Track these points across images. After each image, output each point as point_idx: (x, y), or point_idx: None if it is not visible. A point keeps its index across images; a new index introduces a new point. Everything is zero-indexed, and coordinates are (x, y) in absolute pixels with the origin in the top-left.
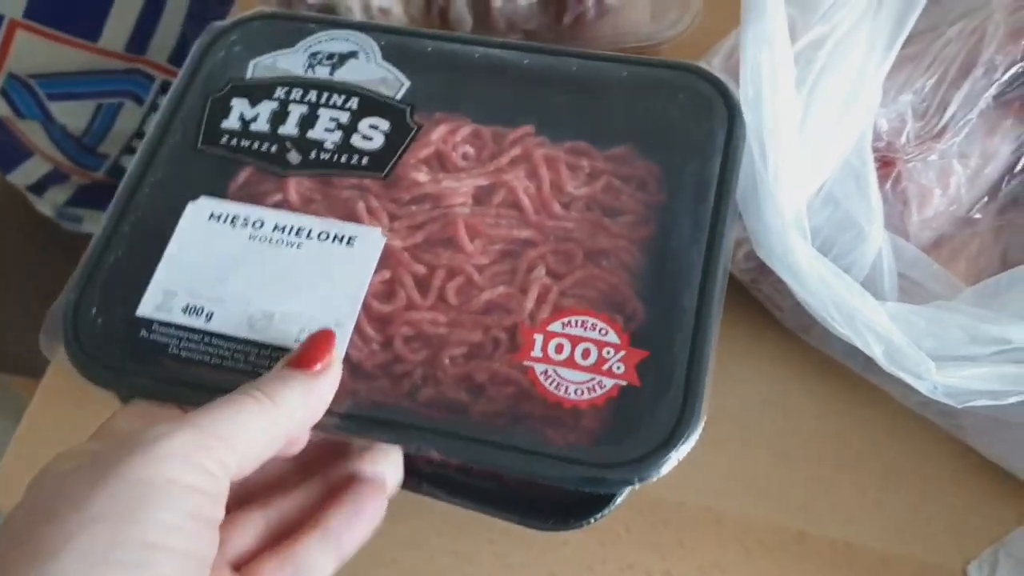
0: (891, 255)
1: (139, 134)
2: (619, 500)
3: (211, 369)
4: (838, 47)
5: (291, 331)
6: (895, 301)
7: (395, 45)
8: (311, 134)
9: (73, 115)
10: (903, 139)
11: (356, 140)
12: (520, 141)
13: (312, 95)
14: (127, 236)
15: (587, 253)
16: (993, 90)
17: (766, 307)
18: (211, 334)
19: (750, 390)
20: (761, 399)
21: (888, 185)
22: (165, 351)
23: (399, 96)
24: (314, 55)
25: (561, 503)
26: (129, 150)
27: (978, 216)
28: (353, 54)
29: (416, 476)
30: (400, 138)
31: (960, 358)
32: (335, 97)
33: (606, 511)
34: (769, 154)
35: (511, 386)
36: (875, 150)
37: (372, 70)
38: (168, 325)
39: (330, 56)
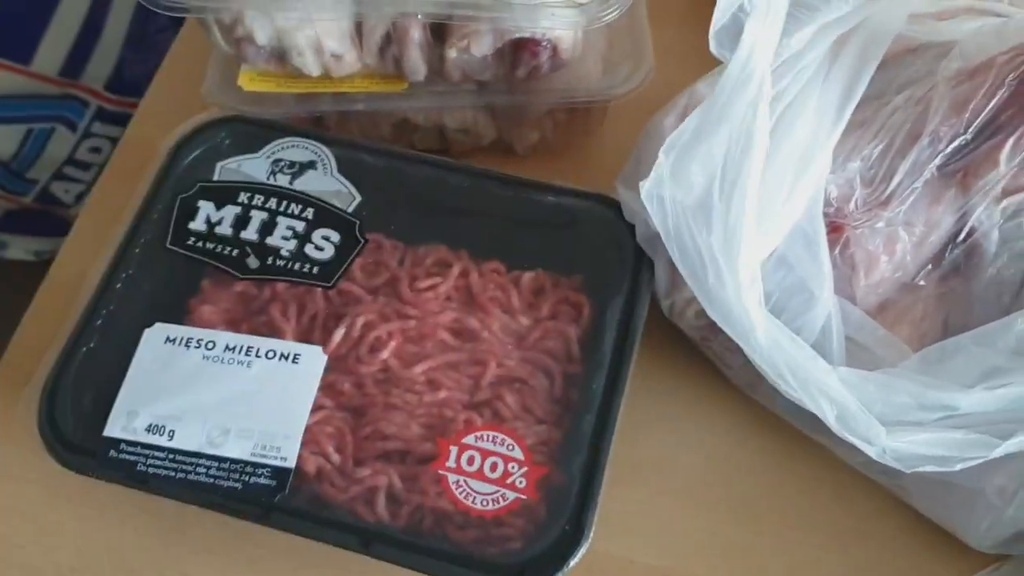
0: (839, 319)
1: (71, 161)
2: (573, 563)
3: (175, 483)
4: (788, 111)
5: (246, 446)
6: (842, 364)
7: (349, 158)
8: (269, 240)
9: (2, 139)
10: (852, 205)
11: (309, 249)
12: (451, 262)
13: (273, 202)
14: (100, 329)
15: (507, 374)
16: (938, 160)
17: (715, 365)
18: (173, 451)
19: (698, 447)
20: (709, 456)
21: (837, 250)
22: (133, 467)
23: (351, 209)
24: (276, 162)
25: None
26: (60, 176)
27: (922, 283)
28: (312, 164)
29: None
30: (349, 250)
31: (908, 423)
32: (293, 206)
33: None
34: (724, 217)
35: (427, 491)
36: (824, 215)
37: (328, 182)
38: (134, 444)
39: (291, 165)
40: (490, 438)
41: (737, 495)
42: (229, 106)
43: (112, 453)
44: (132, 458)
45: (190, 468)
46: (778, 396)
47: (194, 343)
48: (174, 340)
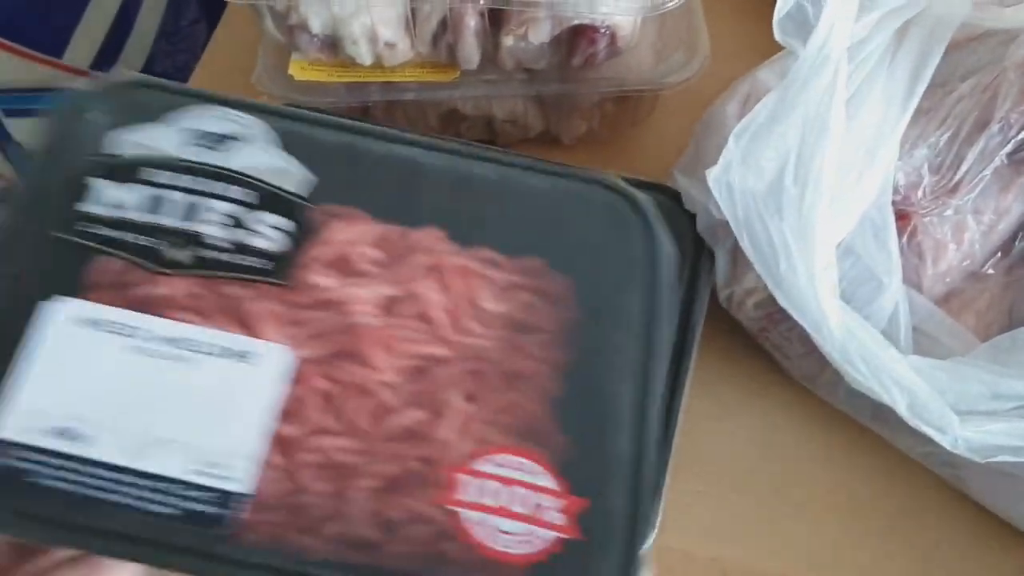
0: (906, 308)
1: None
2: None
3: (84, 502)
4: (854, 98)
5: (182, 462)
6: (910, 354)
7: (295, 133)
8: (199, 228)
9: (32, 133)
10: (919, 193)
11: (254, 239)
12: (430, 247)
13: (195, 181)
14: None
15: (504, 375)
16: (1008, 148)
17: (773, 356)
18: (88, 461)
19: (755, 439)
20: (766, 448)
21: (904, 238)
22: (27, 478)
23: (303, 191)
24: (206, 135)
25: None
26: None
27: (990, 272)
28: (238, 137)
29: None
30: (303, 240)
31: (981, 413)
32: (233, 188)
33: None
34: (798, 203)
35: (430, 527)
36: (892, 203)
37: (268, 159)
38: (32, 449)
39: (210, 136)
40: (512, 463)
41: (796, 487)
42: (280, 95)
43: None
44: (28, 466)
45: (107, 485)
46: (839, 387)
47: (116, 329)
48: (87, 322)
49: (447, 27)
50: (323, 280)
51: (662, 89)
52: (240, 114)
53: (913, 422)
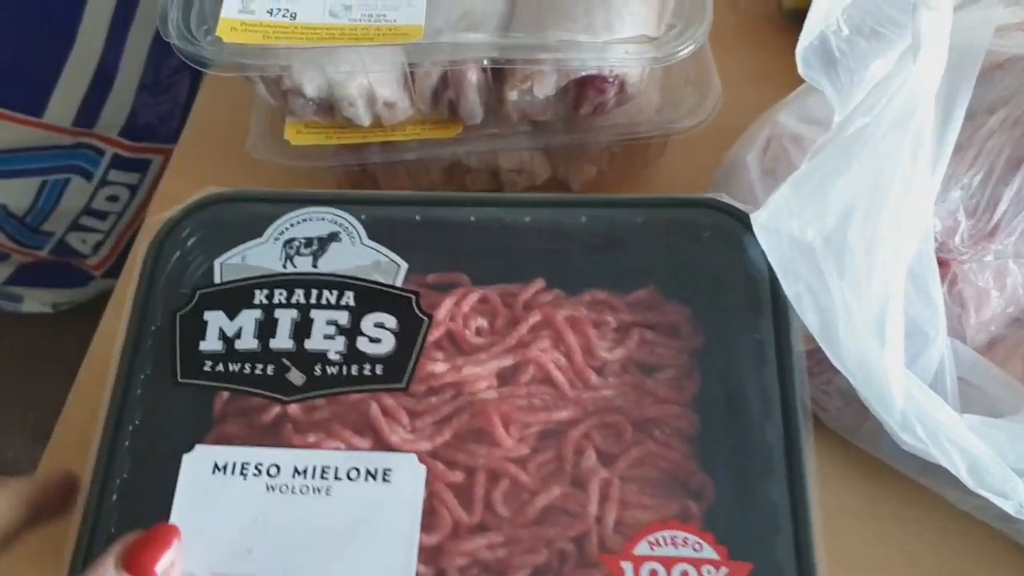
0: (951, 359)
1: (88, 210)
2: None
3: None
4: (883, 142)
5: None
6: (956, 407)
7: (379, 219)
8: (309, 344)
9: (15, 193)
10: (957, 239)
11: (363, 344)
12: (535, 303)
13: (299, 295)
14: (116, 507)
15: (636, 424)
16: None
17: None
18: None
19: None
20: None
21: (944, 287)
22: None
23: (399, 281)
24: (289, 243)
25: None
26: (77, 227)
27: None
28: (335, 236)
29: None
30: (412, 334)
31: None
32: (327, 294)
33: None
34: (864, 260)
35: None
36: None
37: (360, 253)
38: None
39: (308, 243)
40: (669, 540)
41: (840, 540)
42: (276, 161)
43: None
44: None
45: None
46: (880, 439)
47: (251, 470)
48: (224, 468)
49: (448, 83)
50: (437, 367)
51: (674, 135)
52: (327, 210)
53: (976, 488)
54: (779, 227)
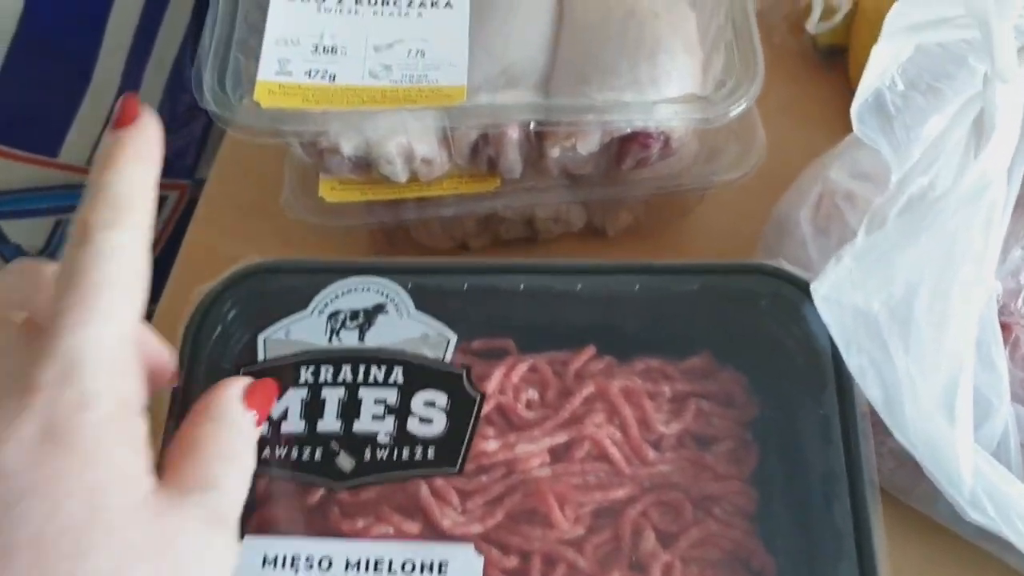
0: (1015, 427)
1: None
2: None
3: None
4: (942, 202)
5: None
6: (1020, 475)
7: (426, 288)
8: (358, 427)
9: (30, 233)
10: (1019, 301)
11: (413, 425)
12: (587, 372)
13: (347, 371)
14: None
15: (695, 501)
16: None
17: None
18: None
19: None
20: None
21: (1007, 351)
22: None
23: (448, 356)
24: (334, 316)
25: None
26: None
27: None
28: (381, 308)
29: None
30: (464, 414)
31: None
32: (375, 370)
33: None
34: (933, 335)
35: None
36: None
37: (408, 326)
38: None
39: (354, 315)
40: None
41: None
42: (311, 219)
43: None
44: None
45: None
46: (936, 500)
47: (302, 563)
48: (274, 561)
49: (488, 139)
50: (488, 444)
51: (715, 187)
52: (373, 280)
53: None
54: (841, 298)
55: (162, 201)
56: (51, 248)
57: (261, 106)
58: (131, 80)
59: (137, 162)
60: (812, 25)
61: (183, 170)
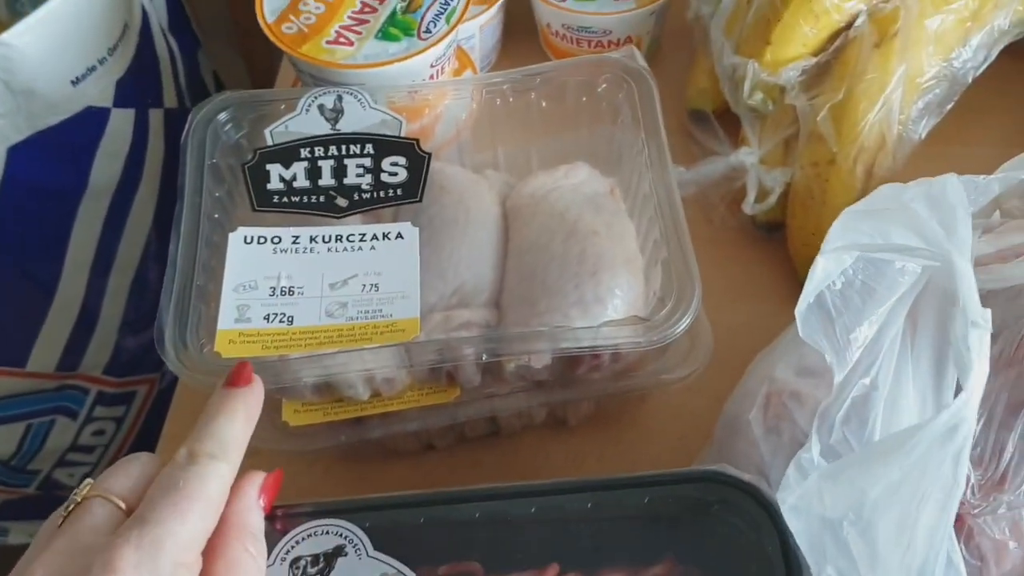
0: None
1: (74, 447)
2: None
3: None
4: (886, 403)
5: None
6: None
7: (382, 528)
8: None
9: (2, 439)
10: (968, 492)
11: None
12: None
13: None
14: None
15: None
16: None
17: None
18: None
19: None
20: None
21: (960, 542)
22: None
23: None
24: (295, 563)
25: None
26: (63, 463)
27: None
28: (340, 551)
29: None
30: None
31: None
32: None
33: None
34: (879, 553)
35: None
36: None
37: (368, 565)
38: None
39: (315, 560)
40: None
41: None
42: (274, 446)
43: None
44: None
45: None
46: None
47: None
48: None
49: (445, 359)
50: None
51: (668, 385)
52: (331, 522)
53: None
54: (809, 509)
55: (131, 396)
56: (23, 451)
57: (222, 356)
58: (96, 289)
59: (245, 416)
60: (748, 206)
61: (151, 364)
